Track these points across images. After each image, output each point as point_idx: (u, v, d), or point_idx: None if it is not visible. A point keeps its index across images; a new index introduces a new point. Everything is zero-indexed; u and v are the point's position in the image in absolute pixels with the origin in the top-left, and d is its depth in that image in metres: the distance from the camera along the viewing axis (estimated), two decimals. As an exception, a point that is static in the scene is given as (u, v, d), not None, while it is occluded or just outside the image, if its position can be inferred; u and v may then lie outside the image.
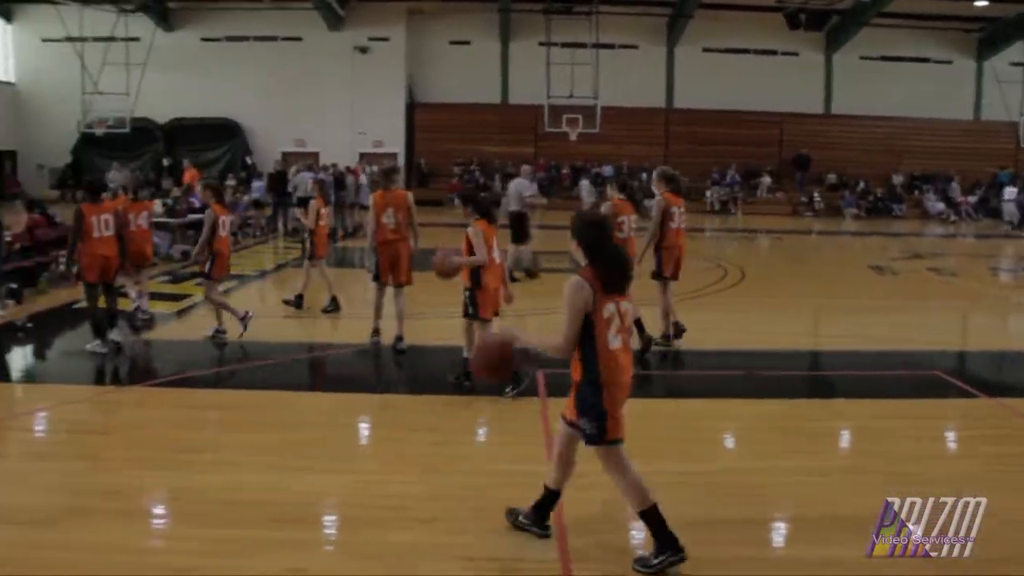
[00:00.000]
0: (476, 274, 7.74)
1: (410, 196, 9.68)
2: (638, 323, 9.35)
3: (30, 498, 5.40)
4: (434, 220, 16.30)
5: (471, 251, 7.70)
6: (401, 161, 32.73)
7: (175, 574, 4.47)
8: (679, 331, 9.87)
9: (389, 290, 9.60)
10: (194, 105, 31.97)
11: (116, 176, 23.48)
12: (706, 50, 33.69)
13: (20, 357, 9.90)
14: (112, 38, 27.59)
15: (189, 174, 23.59)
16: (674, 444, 6.69)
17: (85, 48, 26.89)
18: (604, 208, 9.72)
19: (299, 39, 32.85)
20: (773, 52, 33.71)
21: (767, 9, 31.24)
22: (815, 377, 9.46)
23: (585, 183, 25.82)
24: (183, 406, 7.62)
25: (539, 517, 4.89)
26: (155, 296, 11.76)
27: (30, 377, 9.12)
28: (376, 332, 9.68)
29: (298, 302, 11.76)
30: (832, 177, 33.52)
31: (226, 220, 9.86)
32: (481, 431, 7.25)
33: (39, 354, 10.08)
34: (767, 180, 33.30)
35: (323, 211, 12.16)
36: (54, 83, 30.87)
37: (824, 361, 10.14)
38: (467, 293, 7.82)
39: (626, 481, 4.60)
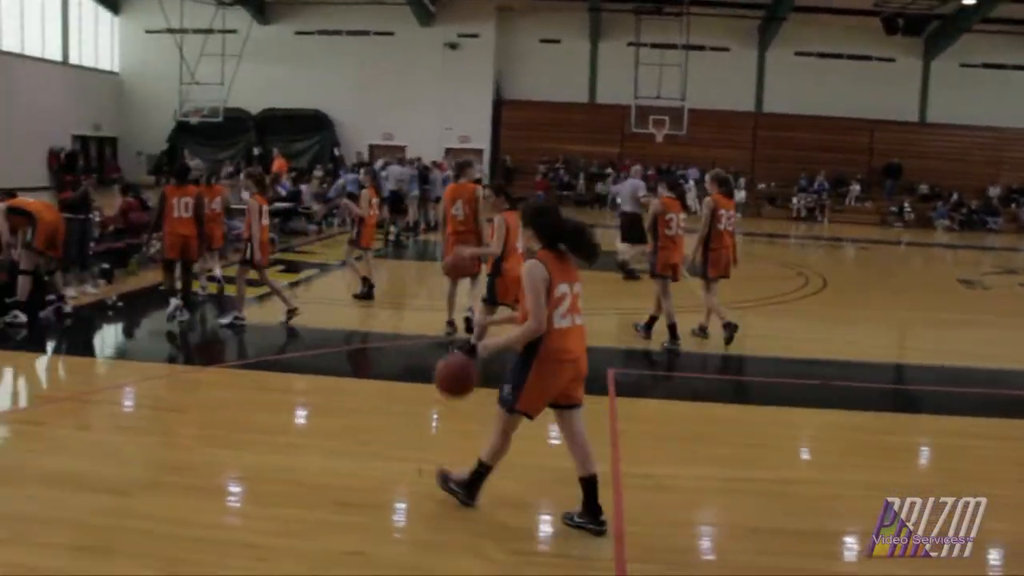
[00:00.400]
0: (497, 261, 8.23)
1: (479, 190, 9.76)
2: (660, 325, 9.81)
3: (109, 469, 5.64)
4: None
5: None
6: (487, 157, 32.97)
7: (240, 548, 4.63)
8: (703, 330, 10.12)
9: (464, 283, 9.72)
10: (286, 96, 32.77)
11: (188, 162, 24.11)
12: (798, 54, 32.92)
13: (108, 334, 10.33)
14: (210, 30, 28.43)
15: (278, 163, 24.18)
16: (740, 450, 6.60)
17: (184, 39, 27.74)
18: (653, 206, 9.94)
19: (391, 34, 33.32)
20: (868, 57, 32.66)
21: (864, 13, 30.42)
22: (893, 390, 9.18)
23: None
24: (256, 388, 7.85)
25: (591, 513, 4.87)
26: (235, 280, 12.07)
27: (117, 353, 9.55)
28: (450, 324, 9.79)
29: (368, 292, 11.96)
30: (924, 187, 32.42)
31: (266, 209, 10.08)
32: (551, 428, 7.25)
33: (126, 332, 10.47)
34: (856, 188, 32.43)
35: (374, 201, 12.37)
36: (155, 73, 31.88)
37: (903, 374, 9.86)
38: (488, 279, 8.38)
39: (500, 443, 4.99)
